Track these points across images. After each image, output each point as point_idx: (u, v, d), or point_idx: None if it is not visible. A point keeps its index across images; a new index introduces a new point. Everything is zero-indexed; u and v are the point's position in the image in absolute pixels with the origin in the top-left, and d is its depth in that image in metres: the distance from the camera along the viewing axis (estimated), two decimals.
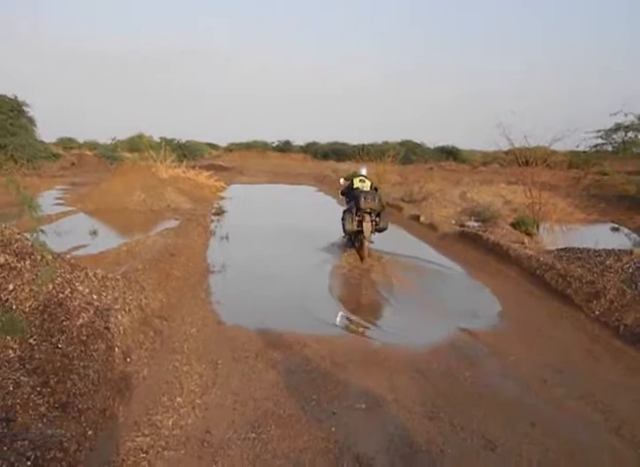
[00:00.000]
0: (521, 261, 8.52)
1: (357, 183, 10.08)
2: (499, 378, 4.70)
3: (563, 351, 5.37)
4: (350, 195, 10.12)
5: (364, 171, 10.66)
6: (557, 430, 3.78)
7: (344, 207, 10.23)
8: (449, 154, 47.92)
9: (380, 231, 9.62)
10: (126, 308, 5.19)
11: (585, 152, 26.00)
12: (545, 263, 7.93)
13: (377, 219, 9.49)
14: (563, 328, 6.11)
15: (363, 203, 9.25)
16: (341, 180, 11.26)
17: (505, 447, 3.53)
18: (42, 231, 2.76)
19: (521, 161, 13.52)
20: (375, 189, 10.09)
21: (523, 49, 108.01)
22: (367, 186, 10.02)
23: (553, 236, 12.02)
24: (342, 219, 9.74)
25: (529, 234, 11.65)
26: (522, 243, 10.05)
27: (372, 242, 9.33)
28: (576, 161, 22.79)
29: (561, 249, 8.58)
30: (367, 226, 9.20)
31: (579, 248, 8.11)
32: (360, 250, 9.33)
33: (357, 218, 9.39)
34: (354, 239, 9.79)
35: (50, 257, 4.81)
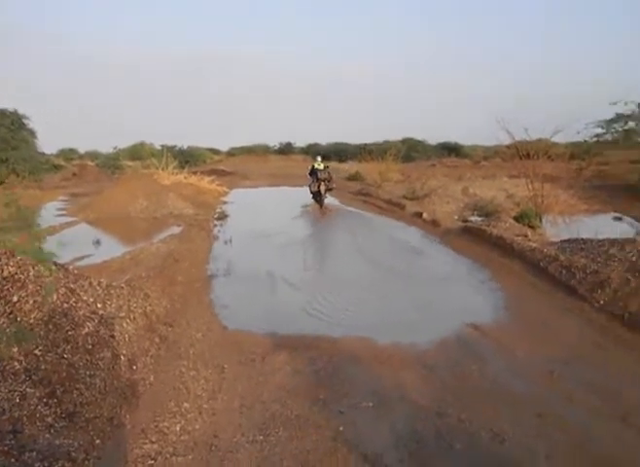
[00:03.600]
0: (525, 254, 8.50)
1: (316, 166, 17.57)
2: (506, 372, 4.69)
3: (569, 342, 5.36)
4: (312, 173, 17.57)
5: (319, 158, 18.21)
6: (565, 421, 3.77)
7: (310, 182, 17.58)
8: (451, 150, 47.87)
9: (330, 189, 17.69)
10: (131, 316, 5.21)
11: (585, 141, 25.91)
12: (548, 255, 7.91)
13: (328, 184, 17.34)
14: (568, 319, 6.09)
15: (319, 175, 17.20)
16: (308, 169, 18.20)
17: (513, 439, 3.52)
18: (40, 247, 2.77)
19: (522, 154, 13.50)
20: (327, 166, 17.78)
21: (524, 41, 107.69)
22: (321, 167, 17.53)
23: (556, 228, 11.99)
24: (309, 186, 17.61)
25: (532, 227, 11.63)
26: (525, 236, 10.05)
27: (326, 197, 17.48)
28: (577, 152, 22.70)
29: (564, 240, 8.56)
30: (322, 187, 17.18)
31: (582, 239, 8.10)
32: (319, 201, 17.36)
33: (316, 184, 17.20)
34: (316, 197, 17.45)
35: (49, 272, 4.80)
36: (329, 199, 18.19)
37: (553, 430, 3.65)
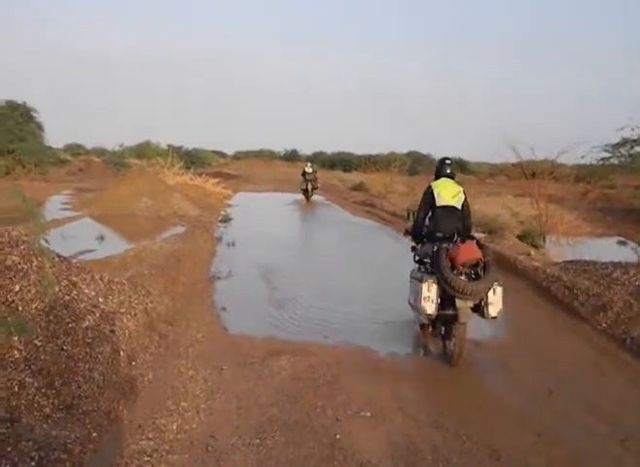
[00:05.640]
0: (528, 272, 8.49)
1: (306, 169, 22.50)
2: (505, 389, 4.67)
3: (569, 363, 5.33)
4: (303, 175, 22.58)
5: (309, 164, 23.32)
6: (563, 441, 3.74)
7: (301, 182, 22.85)
8: (457, 165, 47.87)
9: (315, 188, 23.06)
10: (132, 312, 5.21)
11: (591, 164, 25.95)
12: (551, 275, 7.89)
13: (314, 183, 22.78)
14: (570, 340, 6.07)
15: (307, 177, 22.40)
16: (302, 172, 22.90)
17: (510, 456, 3.49)
18: (45, 240, 2.76)
19: (528, 173, 13.51)
20: (314, 171, 23.13)
21: (532, 62, 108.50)
22: (310, 170, 22.51)
23: (560, 249, 11.98)
24: (300, 184, 22.89)
25: (536, 246, 11.63)
26: (529, 255, 10.03)
27: (312, 195, 22.96)
28: (583, 174, 22.73)
29: (568, 261, 8.54)
30: (309, 186, 22.56)
31: (585, 261, 8.07)
32: (306, 197, 22.81)
33: (305, 183, 22.53)
34: (305, 193, 22.73)
35: (51, 264, 4.76)
36: (335, 211, 19.21)
37: (551, 449, 3.62)
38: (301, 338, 5.78)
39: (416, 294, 5.16)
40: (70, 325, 4.21)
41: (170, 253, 8.58)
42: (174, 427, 3.65)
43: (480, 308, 5.03)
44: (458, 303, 4.86)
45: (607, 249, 11.67)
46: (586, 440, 3.79)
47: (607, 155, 26.46)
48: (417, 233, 5.83)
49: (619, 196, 22.08)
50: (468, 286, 4.78)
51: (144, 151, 40.58)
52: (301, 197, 23.04)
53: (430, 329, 5.64)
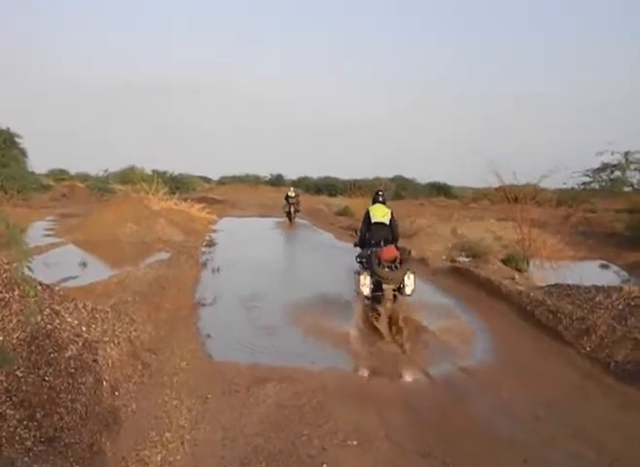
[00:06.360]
0: (512, 296, 8.53)
1: (289, 193, 23.77)
2: (491, 415, 4.67)
3: (555, 388, 5.34)
4: (286, 198, 23.74)
5: (292, 189, 24.74)
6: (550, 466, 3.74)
7: (284, 205, 24.05)
8: (440, 190, 48.35)
9: (297, 211, 24.04)
10: (115, 341, 5.14)
11: (573, 189, 26.37)
12: (535, 299, 7.94)
13: (296, 206, 23.74)
14: (554, 364, 6.09)
15: (290, 200, 23.50)
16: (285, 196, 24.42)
17: None
18: (29, 267, 2.73)
19: (511, 197, 13.67)
20: (297, 195, 24.45)
21: (515, 88, 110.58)
22: (293, 194, 23.78)
23: (543, 273, 12.06)
24: (283, 207, 23.96)
25: (519, 270, 11.71)
26: (513, 279, 10.09)
27: (295, 217, 24.06)
28: (564, 197, 23.09)
29: (551, 285, 8.60)
30: (292, 209, 23.57)
31: (568, 284, 8.14)
32: (289, 219, 23.74)
33: (288, 206, 23.57)
34: (288, 215, 23.74)
35: (32, 293, 4.71)
36: (320, 236, 19.55)
37: None
38: (286, 363, 5.75)
39: (357, 282, 7.35)
40: (52, 355, 4.15)
41: (154, 279, 8.52)
42: (158, 459, 3.60)
43: (400, 290, 7.18)
44: (384, 286, 7.07)
45: (590, 272, 11.81)
46: (572, 465, 3.79)
47: (588, 179, 27.01)
48: (361, 242, 8.07)
49: (600, 219, 22.42)
50: (389, 274, 7.01)
51: (129, 176, 40.37)
52: (285, 220, 24.21)
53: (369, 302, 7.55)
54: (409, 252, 7.76)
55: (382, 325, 7.00)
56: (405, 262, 7.10)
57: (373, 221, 7.78)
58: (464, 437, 4.23)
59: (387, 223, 7.76)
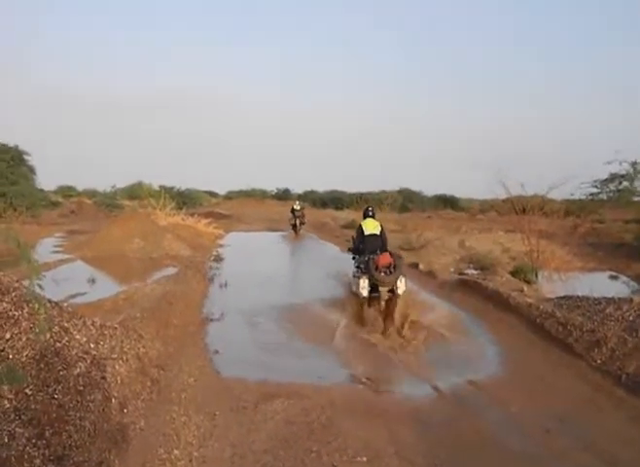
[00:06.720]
0: (521, 309, 8.48)
1: (295, 207, 24.94)
2: (502, 428, 4.63)
3: (565, 401, 5.30)
4: (292, 211, 24.93)
5: (297, 202, 25.89)
6: None
7: (290, 217, 25.21)
8: (447, 202, 48.32)
9: (303, 223, 25.04)
10: (124, 358, 5.14)
11: (580, 199, 26.25)
12: (545, 311, 7.89)
13: (302, 219, 24.82)
14: (565, 377, 6.04)
15: (296, 213, 24.64)
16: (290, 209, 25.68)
17: None
18: (39, 285, 2.74)
19: (518, 209, 13.63)
20: (302, 208, 25.41)
21: (521, 100, 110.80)
22: (298, 207, 24.87)
23: (552, 284, 12.00)
24: (289, 219, 25.21)
25: (528, 282, 11.65)
26: (522, 291, 10.03)
27: (300, 229, 24.83)
28: (572, 208, 23.01)
29: (561, 297, 8.55)
30: (297, 221, 24.64)
31: (578, 296, 8.08)
32: (295, 231, 24.73)
33: (294, 219, 24.65)
34: (294, 227, 24.74)
35: (43, 311, 4.73)
36: (326, 248, 19.55)
37: None
38: (293, 379, 5.73)
39: (357, 285, 8.16)
40: (61, 372, 4.15)
41: (162, 295, 8.54)
42: None
43: (393, 291, 7.89)
44: (380, 288, 7.92)
45: (599, 284, 11.71)
46: None
47: (596, 190, 26.88)
48: (356, 250, 8.96)
49: (608, 230, 22.28)
50: (385, 278, 7.80)
51: (136, 192, 40.68)
52: (291, 232, 25.26)
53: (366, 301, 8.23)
54: (402, 258, 8.72)
55: (385, 322, 7.97)
56: (398, 267, 7.89)
57: (366, 233, 8.66)
58: (474, 450, 4.19)
59: (378, 233, 8.67)
